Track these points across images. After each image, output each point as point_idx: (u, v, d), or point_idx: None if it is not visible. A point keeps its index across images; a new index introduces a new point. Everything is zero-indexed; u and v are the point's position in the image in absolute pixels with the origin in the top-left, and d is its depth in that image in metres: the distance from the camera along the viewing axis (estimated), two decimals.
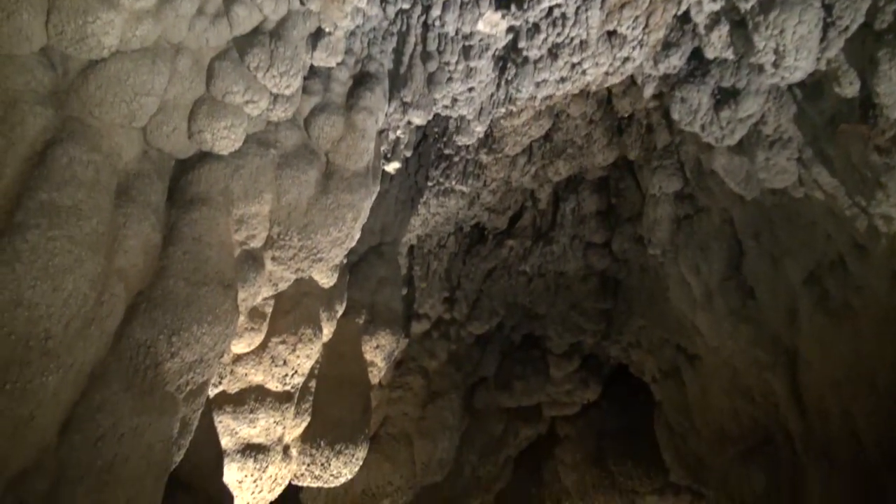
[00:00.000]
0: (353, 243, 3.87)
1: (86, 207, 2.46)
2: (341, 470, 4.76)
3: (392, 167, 4.95)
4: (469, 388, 7.89)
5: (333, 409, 4.74)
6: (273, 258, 3.37)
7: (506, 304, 7.38)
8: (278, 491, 4.74)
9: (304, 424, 4.66)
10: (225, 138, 2.98)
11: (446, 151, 5.66)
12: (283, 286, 3.62)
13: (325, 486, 4.87)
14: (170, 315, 2.67)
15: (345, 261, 4.63)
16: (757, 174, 4.41)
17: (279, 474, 4.63)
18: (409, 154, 5.17)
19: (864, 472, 4.41)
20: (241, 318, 3.95)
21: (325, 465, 4.68)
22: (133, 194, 2.71)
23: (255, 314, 4.06)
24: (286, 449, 4.64)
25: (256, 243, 3.27)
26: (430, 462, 6.64)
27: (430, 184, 5.83)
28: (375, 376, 5.15)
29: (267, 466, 4.48)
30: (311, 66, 3.35)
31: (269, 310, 4.15)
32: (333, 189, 3.34)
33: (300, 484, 4.84)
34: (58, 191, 2.38)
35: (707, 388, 6.71)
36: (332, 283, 4.43)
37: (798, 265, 4.75)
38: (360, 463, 4.94)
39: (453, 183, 5.92)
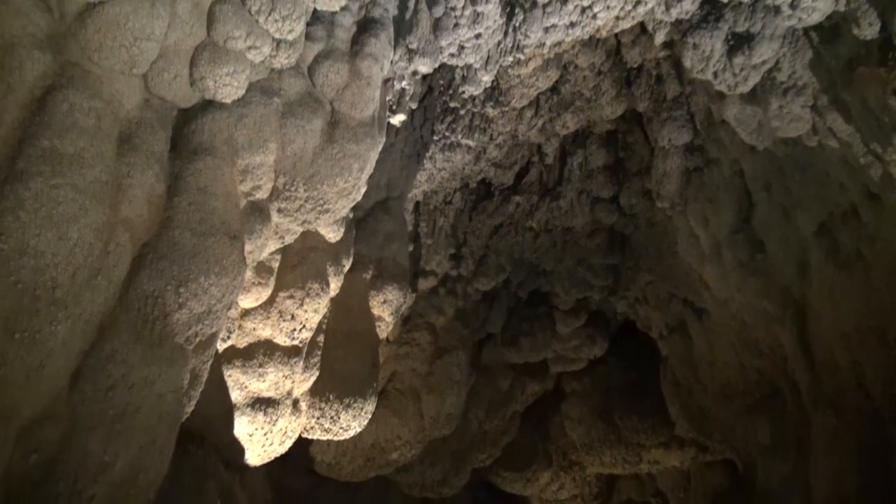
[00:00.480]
0: (360, 196, 3.83)
1: (88, 155, 2.42)
2: (350, 423, 4.80)
3: (397, 120, 4.87)
4: (476, 344, 7.92)
5: (342, 363, 4.75)
6: (279, 210, 3.33)
7: (512, 260, 7.35)
8: (288, 444, 4.79)
9: (313, 378, 4.68)
10: (227, 86, 2.92)
11: (452, 104, 5.56)
12: (289, 239, 3.59)
13: (335, 438, 4.92)
14: (177, 266, 2.64)
15: (351, 215, 4.59)
16: (770, 123, 4.33)
17: (289, 427, 4.67)
18: (414, 106, 5.08)
19: (871, 424, 4.42)
20: (248, 273, 3.94)
21: (335, 418, 4.72)
22: (136, 143, 2.66)
23: (262, 269, 4.04)
24: (296, 403, 4.67)
25: (262, 194, 3.23)
26: (438, 416, 6.70)
27: (435, 138, 5.75)
28: (383, 331, 5.15)
29: (277, 420, 4.51)
30: (314, 11, 3.25)
31: (275, 264, 4.13)
32: (339, 139, 3.28)
33: (310, 437, 4.88)
34: (59, 138, 2.33)
35: (714, 342, 6.71)
36: (338, 238, 4.40)
37: (809, 216, 4.68)
38: (369, 416, 4.98)
39: (459, 137, 5.83)
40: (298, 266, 4.20)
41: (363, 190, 3.79)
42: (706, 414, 7.23)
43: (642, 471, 9.47)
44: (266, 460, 4.82)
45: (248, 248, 3.15)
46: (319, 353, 4.67)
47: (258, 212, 3.28)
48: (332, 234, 4.28)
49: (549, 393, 9.32)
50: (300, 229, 3.50)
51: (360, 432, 6.64)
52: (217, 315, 2.90)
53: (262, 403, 4.39)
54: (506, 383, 8.32)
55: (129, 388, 2.61)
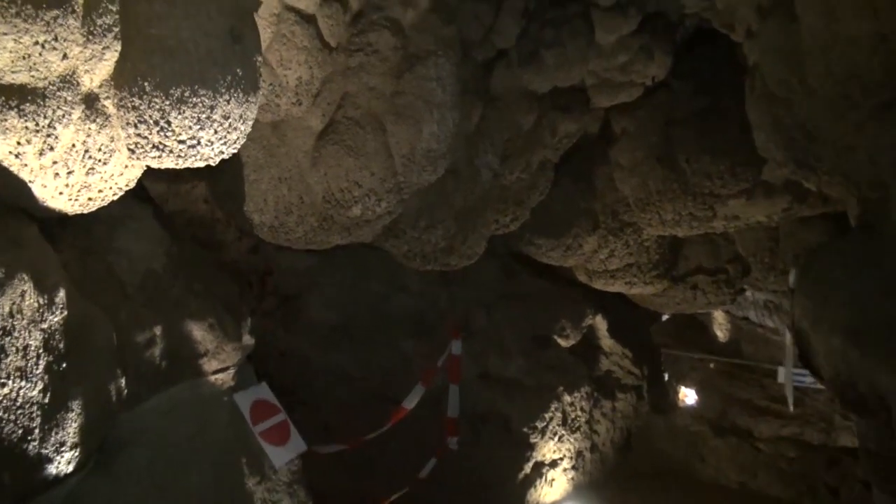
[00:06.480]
0: None
1: None
2: (195, 133, 2.87)
3: None
4: (482, 66, 5.71)
5: (163, 25, 2.72)
6: None
7: None
8: (106, 172, 2.95)
9: (113, 56, 2.70)
10: None
11: None
12: None
13: (186, 163, 3.04)
14: None
15: None
16: None
17: (90, 144, 2.80)
18: None
19: None
20: None
21: (164, 125, 2.79)
22: None
23: None
24: (92, 100, 2.76)
25: None
26: (412, 153, 4.72)
27: None
28: None
29: (55, 128, 2.64)
30: None
31: None
32: None
33: (142, 161, 3.02)
34: None
35: (834, 12, 4.25)
36: None
37: None
38: (238, 126, 3.03)
39: None
40: None
41: None
42: (811, 134, 4.94)
43: (716, 230, 7.43)
44: (86, 204, 3.06)
45: None
46: (114, 7, 2.63)
47: None
48: None
49: (592, 137, 7.16)
50: None
51: (307, 181, 4.83)
52: None
53: (14, 97, 2.49)
54: (528, 120, 6.18)
55: None
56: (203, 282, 4.25)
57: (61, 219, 3.26)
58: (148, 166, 3.11)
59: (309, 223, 4.90)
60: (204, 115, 2.83)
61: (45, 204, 2.93)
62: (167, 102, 2.73)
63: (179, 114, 2.77)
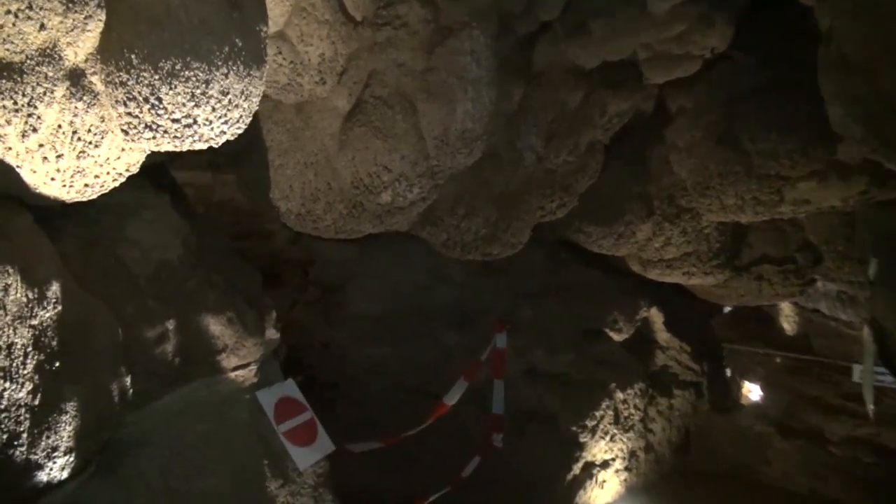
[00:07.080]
0: None
1: None
2: (192, 112, 2.60)
3: None
4: (523, 40, 5.32)
5: None
6: None
7: None
8: (99, 154, 2.71)
9: (97, 26, 2.45)
10: None
11: None
12: None
13: (185, 145, 2.78)
14: None
15: None
16: None
17: (78, 124, 2.56)
18: None
19: None
20: None
21: (155, 102, 2.53)
22: None
23: None
24: (78, 76, 2.52)
25: None
26: (445, 134, 4.38)
27: None
28: None
29: (36, 107, 2.41)
30: None
31: None
32: None
33: (138, 143, 2.77)
34: None
35: None
36: None
37: None
38: (237, 99, 2.75)
39: None
40: None
41: None
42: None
43: (783, 216, 6.84)
44: (83, 191, 2.83)
45: None
46: None
47: None
48: None
49: (645, 116, 6.67)
50: None
51: (334, 165, 4.55)
52: None
53: None
54: (574, 98, 5.76)
55: None
56: (223, 273, 4.03)
57: (63, 208, 3.08)
58: (151, 150, 2.87)
59: (337, 210, 4.62)
60: (199, 91, 2.56)
61: (38, 191, 2.72)
62: (156, 77, 2.47)
63: (171, 89, 2.50)
